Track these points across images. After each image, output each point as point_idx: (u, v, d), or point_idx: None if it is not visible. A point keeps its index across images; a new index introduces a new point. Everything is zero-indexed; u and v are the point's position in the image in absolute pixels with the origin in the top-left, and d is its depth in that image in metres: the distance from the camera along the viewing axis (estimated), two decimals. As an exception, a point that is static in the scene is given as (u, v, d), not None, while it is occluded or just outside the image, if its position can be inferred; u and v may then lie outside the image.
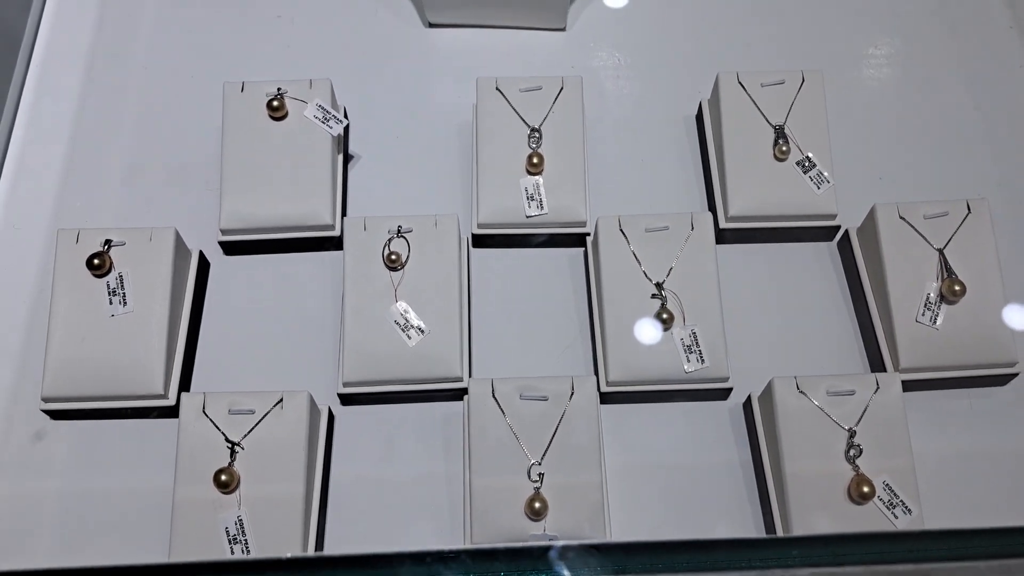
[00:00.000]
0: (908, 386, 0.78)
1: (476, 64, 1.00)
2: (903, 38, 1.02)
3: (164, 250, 0.80)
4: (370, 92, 0.98)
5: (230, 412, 0.72)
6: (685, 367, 0.77)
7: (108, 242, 0.79)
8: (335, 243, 0.87)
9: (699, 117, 0.96)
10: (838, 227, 0.88)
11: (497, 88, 0.90)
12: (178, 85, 0.98)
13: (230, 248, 0.87)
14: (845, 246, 0.88)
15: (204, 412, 0.72)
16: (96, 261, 0.77)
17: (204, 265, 0.86)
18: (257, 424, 0.72)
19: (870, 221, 0.84)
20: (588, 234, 0.87)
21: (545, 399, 0.73)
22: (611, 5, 1.04)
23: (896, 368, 0.79)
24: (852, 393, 0.74)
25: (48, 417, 0.79)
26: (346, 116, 0.93)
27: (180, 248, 0.82)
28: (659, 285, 0.80)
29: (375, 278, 0.80)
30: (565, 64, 1.01)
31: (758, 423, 0.77)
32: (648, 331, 0.78)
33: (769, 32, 1.02)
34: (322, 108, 0.88)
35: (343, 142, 0.92)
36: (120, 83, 0.98)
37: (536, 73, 0.99)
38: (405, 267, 0.80)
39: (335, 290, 0.86)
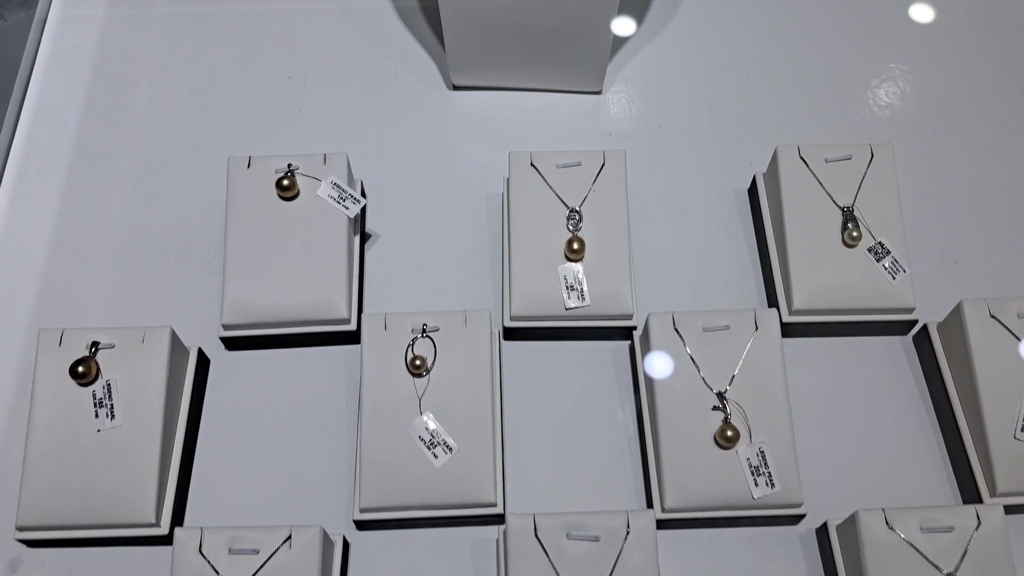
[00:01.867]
0: (1007, 510, 0.68)
1: (505, 130, 0.91)
2: (974, 105, 0.93)
3: (158, 353, 0.70)
4: (389, 162, 0.89)
5: (231, 552, 0.62)
6: (753, 493, 0.68)
7: (95, 344, 0.70)
8: (351, 337, 0.78)
9: (752, 191, 0.87)
10: (915, 321, 0.79)
11: (532, 164, 0.81)
12: (178, 153, 0.89)
13: (233, 343, 0.78)
14: (923, 343, 0.78)
15: (201, 551, 0.62)
16: (81, 369, 0.68)
17: (203, 361, 0.77)
18: (263, 566, 0.62)
19: (955, 319, 0.74)
20: (635, 327, 0.78)
21: (596, 539, 0.63)
22: (651, 66, 0.96)
23: (992, 493, 0.69)
24: (950, 530, 0.64)
25: (24, 545, 0.70)
26: (363, 194, 0.84)
27: (176, 348, 0.72)
28: (721, 395, 0.70)
29: (397, 385, 0.70)
30: (602, 130, 0.92)
31: (838, 559, 0.67)
32: (710, 450, 0.68)
33: (826, 98, 0.93)
34: (337, 187, 0.79)
35: (360, 221, 0.82)
36: (114, 151, 0.89)
37: (570, 139, 0.91)
38: (431, 373, 0.71)
39: (351, 391, 0.76)
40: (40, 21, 0.96)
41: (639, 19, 0.98)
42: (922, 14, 0.98)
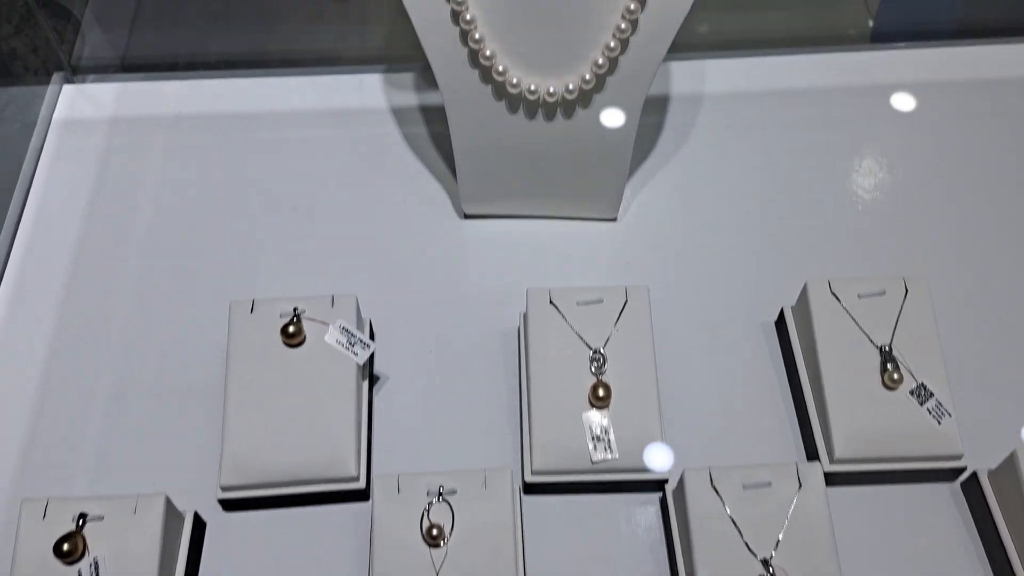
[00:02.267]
0: None
1: (518, 260, 0.87)
2: (1009, 238, 0.89)
3: (151, 524, 0.64)
4: (398, 296, 0.85)
5: None
6: (808, 677, 0.61)
7: (82, 516, 0.64)
8: (360, 494, 0.72)
9: (780, 324, 0.83)
10: (963, 468, 0.74)
11: (551, 301, 0.77)
12: (176, 293, 0.84)
13: (231, 504, 0.72)
14: (973, 490, 0.73)
15: None
16: (66, 547, 0.62)
17: (198, 524, 0.71)
18: None
19: (1009, 469, 0.69)
20: (666, 480, 0.72)
21: None
22: (665, 192, 0.93)
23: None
24: None
25: None
26: (372, 335, 0.80)
27: (171, 516, 0.66)
28: (767, 562, 0.64)
29: (412, 557, 0.64)
30: (619, 259, 0.88)
31: None
32: (758, 627, 0.63)
33: (851, 225, 0.90)
34: (346, 331, 0.74)
35: (369, 364, 0.78)
36: (108, 290, 0.84)
37: (587, 268, 0.88)
38: (448, 542, 0.65)
39: (360, 555, 0.70)
40: (35, 151, 0.93)
41: (653, 142, 0.96)
42: (945, 140, 0.96)
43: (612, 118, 0.81)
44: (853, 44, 1.04)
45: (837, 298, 0.77)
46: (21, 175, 0.91)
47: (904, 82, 1.00)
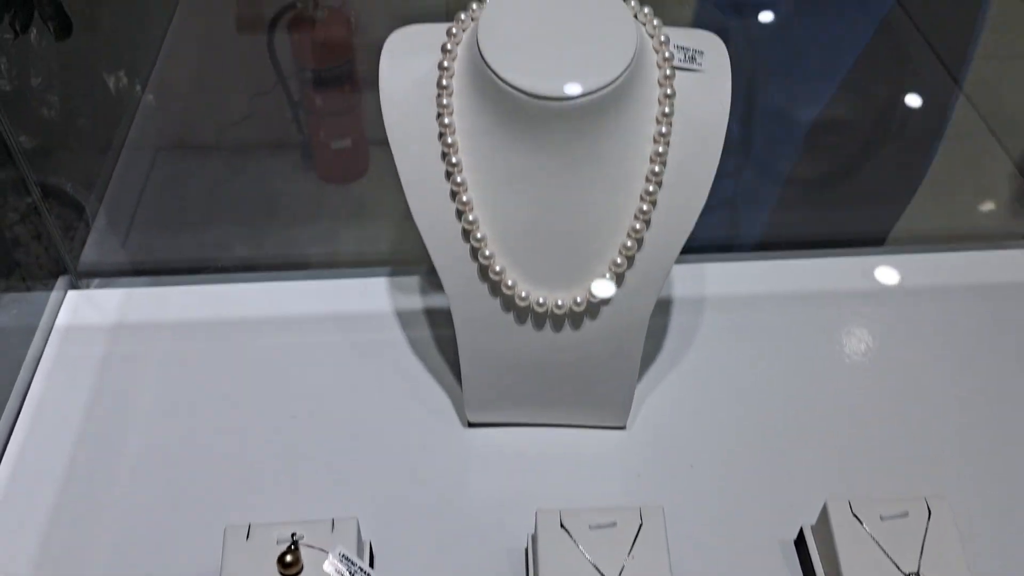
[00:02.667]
0: None
1: (524, 472, 0.85)
2: None
3: None
4: (399, 513, 0.81)
5: None
6: None
7: None
8: None
9: (799, 543, 0.79)
10: None
11: (562, 525, 0.74)
12: (168, 510, 0.80)
13: None
14: None
15: None
16: None
17: None
18: None
19: None
20: None
21: None
22: (675, 398, 0.91)
23: None
24: None
25: None
26: (372, 559, 0.76)
27: None
28: None
29: None
30: (628, 470, 0.86)
31: None
32: None
33: (867, 435, 0.88)
34: (346, 560, 0.70)
35: (369, 592, 0.73)
36: (97, 507, 0.80)
37: (595, 480, 0.85)
38: None
39: None
40: (34, 357, 0.92)
41: (658, 346, 0.96)
42: (962, 349, 0.95)
43: (620, 329, 0.81)
44: (864, 246, 1.05)
45: (859, 520, 0.74)
46: (18, 382, 0.89)
47: (918, 287, 1.01)
